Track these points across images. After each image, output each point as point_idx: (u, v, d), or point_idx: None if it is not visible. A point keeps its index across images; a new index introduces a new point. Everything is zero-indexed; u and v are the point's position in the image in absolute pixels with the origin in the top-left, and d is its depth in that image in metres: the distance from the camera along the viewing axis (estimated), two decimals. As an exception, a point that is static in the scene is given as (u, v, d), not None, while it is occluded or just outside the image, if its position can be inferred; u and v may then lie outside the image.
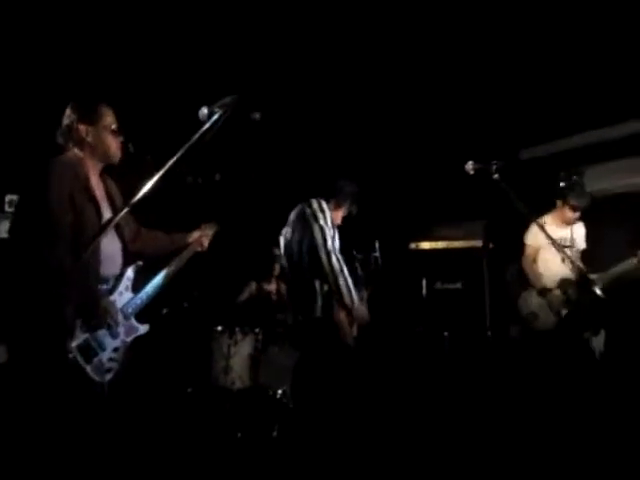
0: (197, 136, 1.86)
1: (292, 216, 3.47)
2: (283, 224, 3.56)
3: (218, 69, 4.06)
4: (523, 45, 3.74)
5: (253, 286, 4.51)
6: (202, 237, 2.73)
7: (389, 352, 4.25)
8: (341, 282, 3.15)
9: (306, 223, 3.29)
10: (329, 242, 3.20)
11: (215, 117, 1.90)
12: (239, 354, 3.90)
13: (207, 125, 1.88)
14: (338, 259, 3.19)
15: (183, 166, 2.09)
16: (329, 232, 3.23)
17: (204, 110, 1.92)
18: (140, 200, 1.92)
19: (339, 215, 3.54)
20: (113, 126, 2.34)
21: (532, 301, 4.19)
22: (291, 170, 5.09)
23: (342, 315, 3.25)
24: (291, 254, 3.37)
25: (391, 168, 5.34)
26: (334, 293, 3.17)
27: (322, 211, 3.30)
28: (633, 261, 4.16)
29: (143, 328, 2.40)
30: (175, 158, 1.84)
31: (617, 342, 4.28)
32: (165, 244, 2.67)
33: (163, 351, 3.93)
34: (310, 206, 3.32)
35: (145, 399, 3.44)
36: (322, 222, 3.25)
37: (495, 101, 4.48)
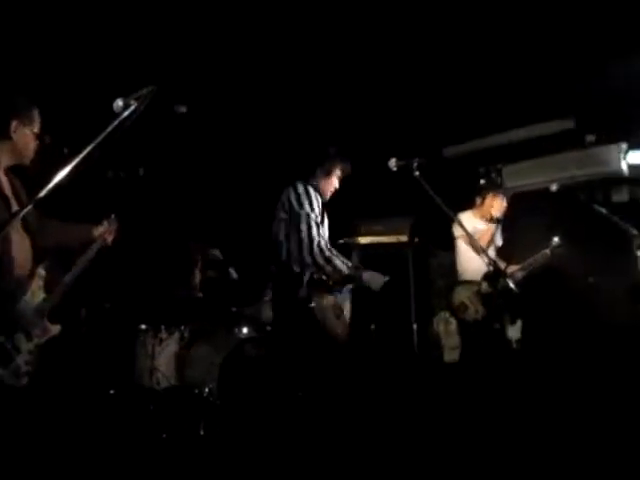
0: (110, 129, 1.78)
1: (280, 202, 3.37)
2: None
3: (142, 60, 3.92)
4: (447, 45, 3.85)
5: (178, 281, 4.38)
6: (106, 233, 2.64)
7: (318, 345, 4.28)
8: (328, 270, 3.13)
9: (292, 208, 3.21)
10: (314, 231, 3.15)
11: (131, 109, 1.83)
12: (164, 353, 3.80)
13: (122, 117, 1.81)
14: (321, 249, 3.16)
15: (102, 160, 2.02)
16: (314, 219, 3.17)
17: (119, 102, 1.84)
18: (57, 195, 1.84)
19: (333, 182, 3.44)
20: (37, 131, 2.33)
21: (461, 293, 4.37)
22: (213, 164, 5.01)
23: (326, 302, 3.22)
24: (275, 238, 3.29)
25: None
26: (321, 280, 3.14)
27: (308, 196, 3.22)
28: (547, 253, 4.44)
29: (55, 329, 2.30)
30: (86, 151, 1.75)
31: (533, 331, 4.54)
32: (74, 236, 2.59)
33: (83, 353, 3.78)
34: (296, 190, 3.23)
35: (65, 402, 3.31)
36: (308, 209, 3.18)
37: (419, 100, 4.59)
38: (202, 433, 3.41)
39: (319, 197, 3.29)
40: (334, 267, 3.14)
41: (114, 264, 3.07)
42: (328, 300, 3.27)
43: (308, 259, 3.11)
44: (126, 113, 1.82)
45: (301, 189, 3.24)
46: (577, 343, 4.68)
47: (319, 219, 3.22)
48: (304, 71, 4.13)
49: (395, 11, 3.44)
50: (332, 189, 3.43)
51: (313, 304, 3.18)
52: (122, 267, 3.91)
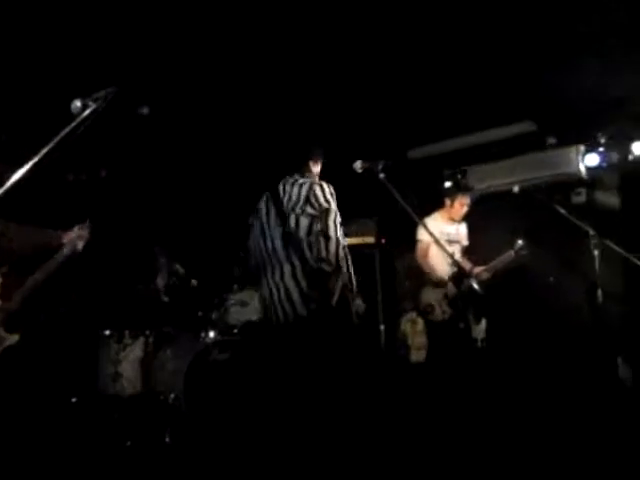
0: (67, 130, 1.73)
1: (294, 196, 3.12)
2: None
3: (104, 60, 3.83)
4: (411, 49, 3.88)
5: (143, 285, 4.30)
6: (77, 239, 2.57)
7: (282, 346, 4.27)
8: (342, 276, 3.00)
9: (320, 204, 3.02)
10: (339, 230, 3.05)
11: (89, 110, 1.78)
12: (129, 359, 3.72)
13: (79, 119, 1.76)
14: (346, 253, 3.07)
15: (61, 162, 1.96)
16: (339, 218, 3.07)
17: (77, 103, 1.79)
18: (18, 198, 1.78)
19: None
20: None
21: (428, 294, 4.42)
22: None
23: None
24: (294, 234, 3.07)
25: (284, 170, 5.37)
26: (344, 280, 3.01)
27: (332, 195, 3.09)
28: (511, 254, 4.54)
29: (13, 338, 2.22)
30: (42, 154, 1.69)
31: (497, 330, 4.63)
32: (40, 240, 2.49)
33: (44, 360, 3.66)
34: (323, 189, 3.07)
35: (25, 412, 3.20)
36: (334, 206, 3.06)
37: (384, 102, 4.63)
38: (168, 440, 3.36)
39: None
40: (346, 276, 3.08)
41: (77, 267, 2.97)
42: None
43: (333, 259, 3.02)
44: (85, 114, 1.77)
45: (326, 185, 3.11)
46: (539, 340, 4.80)
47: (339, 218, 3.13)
48: (267, 74, 4.11)
49: (357, 14, 3.44)
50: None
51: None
52: (85, 271, 3.81)
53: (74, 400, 3.54)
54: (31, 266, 2.37)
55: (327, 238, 2.99)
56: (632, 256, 4.07)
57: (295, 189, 3.13)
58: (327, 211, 3.03)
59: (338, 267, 2.99)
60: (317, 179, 3.24)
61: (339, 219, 3.08)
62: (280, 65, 4.00)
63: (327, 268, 2.96)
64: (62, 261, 2.47)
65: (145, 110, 2.92)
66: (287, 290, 3.04)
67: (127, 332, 3.78)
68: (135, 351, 3.75)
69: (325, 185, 3.10)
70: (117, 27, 3.44)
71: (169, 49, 3.71)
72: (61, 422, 3.36)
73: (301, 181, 3.15)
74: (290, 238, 3.07)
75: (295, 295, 3.02)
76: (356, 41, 3.71)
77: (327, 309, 2.96)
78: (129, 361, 3.71)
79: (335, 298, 2.97)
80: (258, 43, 3.70)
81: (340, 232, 3.07)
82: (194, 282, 4.32)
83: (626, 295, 4.79)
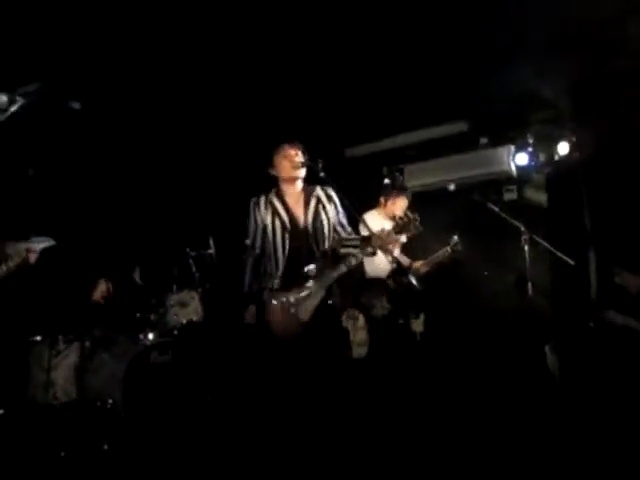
0: (-8, 126, 1.64)
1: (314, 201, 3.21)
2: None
3: (33, 54, 3.63)
4: (348, 49, 3.92)
5: (103, 285, 4.09)
6: (29, 251, 2.43)
7: (227, 349, 4.23)
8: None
9: (336, 207, 3.22)
10: None
11: (16, 105, 1.69)
12: (62, 365, 3.55)
13: (6, 114, 1.67)
14: None
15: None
16: None
17: (2, 97, 1.70)
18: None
19: None
20: None
21: (368, 290, 4.48)
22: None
23: None
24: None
25: (224, 166, 5.32)
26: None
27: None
28: (447, 250, 4.69)
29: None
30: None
31: (435, 324, 4.77)
32: None
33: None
34: (335, 192, 3.21)
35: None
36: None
37: (321, 101, 4.66)
38: (106, 447, 3.24)
39: None
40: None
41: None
42: None
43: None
44: (12, 109, 1.68)
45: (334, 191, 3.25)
46: (473, 333, 4.98)
47: None
48: (213, 69, 4.03)
49: (295, 14, 3.44)
50: None
51: None
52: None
53: (1, 412, 3.34)
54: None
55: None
56: (557, 251, 4.32)
57: (320, 192, 3.30)
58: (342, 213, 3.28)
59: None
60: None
61: None
62: (222, 61, 3.94)
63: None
64: (6, 274, 2.34)
65: (76, 105, 2.79)
66: None
67: (61, 337, 3.61)
68: (70, 357, 3.58)
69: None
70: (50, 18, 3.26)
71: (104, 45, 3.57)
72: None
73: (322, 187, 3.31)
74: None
75: None
76: (295, 41, 3.71)
77: None
78: (63, 367, 3.54)
79: None
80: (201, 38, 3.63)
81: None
82: (138, 279, 4.19)
83: (553, 288, 5.06)
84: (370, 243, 2.99)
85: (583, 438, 3.07)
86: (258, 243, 3.21)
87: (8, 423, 3.27)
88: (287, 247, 3.12)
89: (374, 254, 3.03)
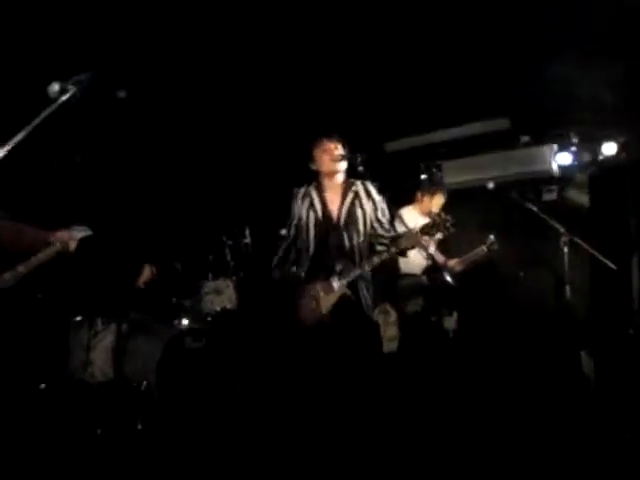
0: (45, 115, 1.69)
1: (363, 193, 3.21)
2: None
3: (82, 44, 3.73)
4: (389, 43, 3.89)
5: (148, 270, 4.20)
6: (70, 239, 2.53)
7: (264, 339, 4.28)
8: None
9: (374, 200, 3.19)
10: None
11: (68, 94, 1.75)
12: (100, 346, 3.67)
13: (58, 103, 1.72)
14: None
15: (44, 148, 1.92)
16: None
17: (55, 86, 1.75)
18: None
19: None
20: None
21: (402, 285, 4.47)
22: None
23: None
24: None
25: (264, 158, 5.36)
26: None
27: None
28: (483, 249, 4.63)
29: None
30: (19, 138, 1.66)
31: (468, 322, 4.72)
32: (28, 239, 2.45)
33: (13, 345, 3.59)
34: (372, 184, 3.22)
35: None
36: None
37: (361, 96, 4.64)
38: (140, 428, 3.34)
39: None
40: None
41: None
42: None
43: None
44: (63, 98, 1.74)
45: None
46: (507, 333, 4.91)
47: None
48: (244, 67, 4.07)
49: (334, 8, 3.43)
50: None
51: None
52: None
53: (43, 386, 3.48)
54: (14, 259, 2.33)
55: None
56: (598, 253, 4.20)
57: (359, 187, 3.29)
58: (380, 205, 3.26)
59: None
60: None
61: None
62: (255, 56, 3.97)
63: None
64: (47, 259, 2.44)
65: (122, 94, 2.86)
66: None
67: (99, 319, 3.73)
68: (107, 338, 3.70)
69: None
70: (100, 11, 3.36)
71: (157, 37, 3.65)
72: (30, 409, 3.31)
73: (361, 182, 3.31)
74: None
75: None
76: (336, 35, 3.71)
77: None
78: (101, 348, 3.66)
79: None
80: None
81: None
82: (178, 266, 4.28)
83: (592, 292, 4.94)
84: (397, 243, 2.97)
85: (617, 449, 2.99)
86: (292, 234, 3.25)
87: (49, 398, 3.40)
88: (317, 240, 3.13)
89: (402, 254, 3.01)
